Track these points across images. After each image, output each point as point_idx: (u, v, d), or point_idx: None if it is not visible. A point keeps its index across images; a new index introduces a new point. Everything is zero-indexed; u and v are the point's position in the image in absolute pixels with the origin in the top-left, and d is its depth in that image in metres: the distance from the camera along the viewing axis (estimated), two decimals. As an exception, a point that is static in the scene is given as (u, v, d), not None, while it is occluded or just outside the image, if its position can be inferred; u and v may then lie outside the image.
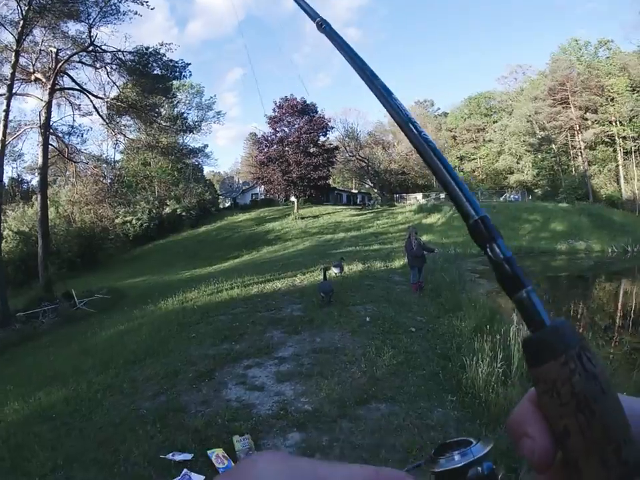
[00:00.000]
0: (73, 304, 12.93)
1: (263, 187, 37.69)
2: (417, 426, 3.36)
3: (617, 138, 34.68)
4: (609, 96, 34.23)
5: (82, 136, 21.35)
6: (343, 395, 3.88)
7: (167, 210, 33.11)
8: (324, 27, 0.48)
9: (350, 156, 43.45)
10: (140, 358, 5.46)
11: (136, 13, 16.19)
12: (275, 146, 33.88)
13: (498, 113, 52.93)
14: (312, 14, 0.51)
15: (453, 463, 0.33)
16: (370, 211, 36.20)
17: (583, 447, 0.21)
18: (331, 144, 37.63)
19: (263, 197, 43.39)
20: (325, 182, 34.95)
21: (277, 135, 34.28)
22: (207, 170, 53.09)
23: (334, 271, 10.02)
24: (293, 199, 35.59)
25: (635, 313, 10.58)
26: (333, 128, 37.43)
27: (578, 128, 35.35)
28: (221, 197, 47.39)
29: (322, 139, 35.69)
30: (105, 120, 19.29)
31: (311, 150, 33.67)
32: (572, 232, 24.49)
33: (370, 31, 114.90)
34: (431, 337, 5.89)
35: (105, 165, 26.23)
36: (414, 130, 0.32)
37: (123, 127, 20.52)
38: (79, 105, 18.94)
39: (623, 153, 34.82)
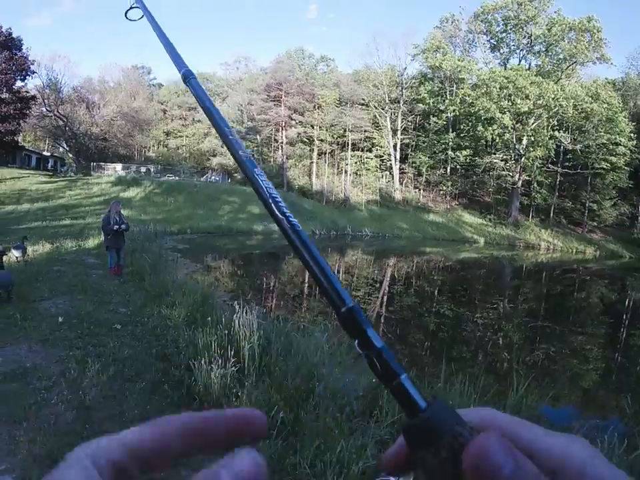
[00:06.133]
0: None
1: None
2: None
3: (315, 139, 42.29)
4: (318, 104, 41.24)
5: None
6: (50, 445, 2.60)
7: None
8: (189, 79, 0.46)
9: (48, 110, 34.77)
10: None
11: None
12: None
13: (212, 96, 53.89)
14: (180, 64, 0.49)
15: None
16: (62, 178, 30.77)
17: None
18: (27, 92, 30.22)
19: None
20: (13, 138, 28.63)
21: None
22: None
23: (14, 254, 8.42)
24: (-32, 157, 27.29)
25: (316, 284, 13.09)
26: (34, 73, 30.52)
27: (283, 125, 41.04)
28: None
29: (19, 84, 28.67)
30: None
31: (3, 95, 26.79)
32: (267, 215, 28.28)
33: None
34: (141, 333, 5.00)
35: None
36: (275, 210, 0.30)
37: None
38: None
39: (318, 153, 42.83)
